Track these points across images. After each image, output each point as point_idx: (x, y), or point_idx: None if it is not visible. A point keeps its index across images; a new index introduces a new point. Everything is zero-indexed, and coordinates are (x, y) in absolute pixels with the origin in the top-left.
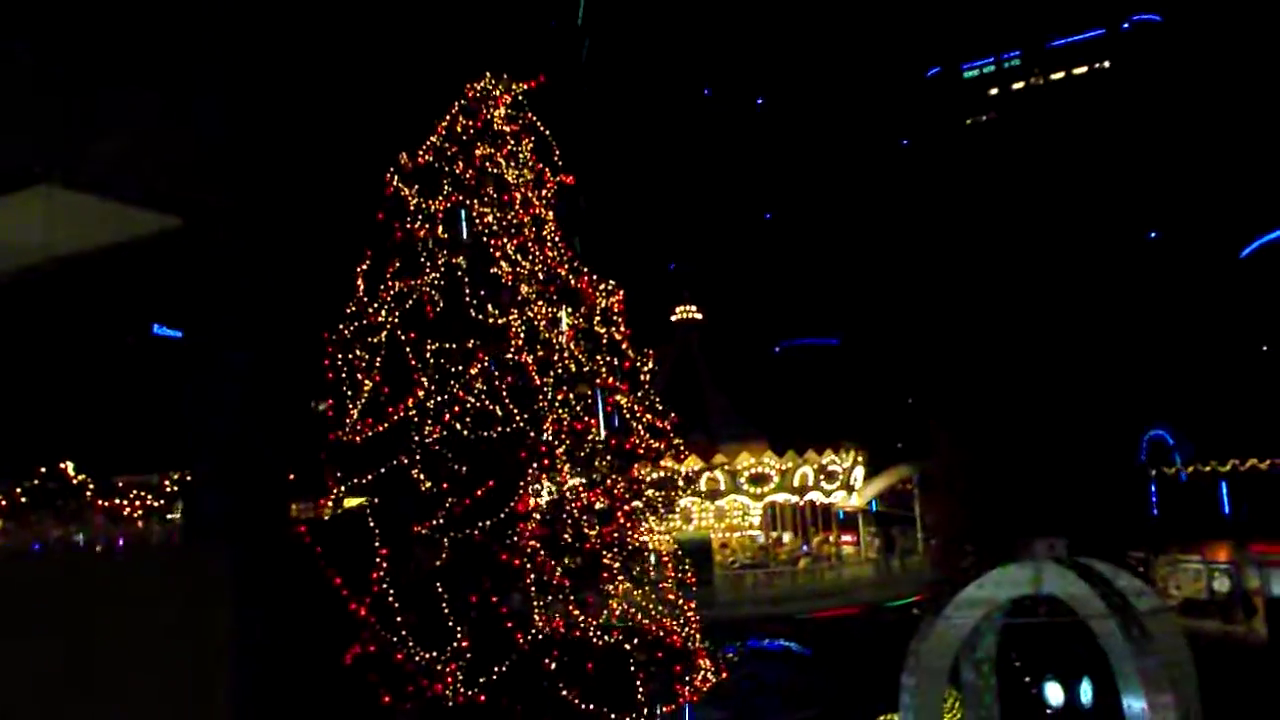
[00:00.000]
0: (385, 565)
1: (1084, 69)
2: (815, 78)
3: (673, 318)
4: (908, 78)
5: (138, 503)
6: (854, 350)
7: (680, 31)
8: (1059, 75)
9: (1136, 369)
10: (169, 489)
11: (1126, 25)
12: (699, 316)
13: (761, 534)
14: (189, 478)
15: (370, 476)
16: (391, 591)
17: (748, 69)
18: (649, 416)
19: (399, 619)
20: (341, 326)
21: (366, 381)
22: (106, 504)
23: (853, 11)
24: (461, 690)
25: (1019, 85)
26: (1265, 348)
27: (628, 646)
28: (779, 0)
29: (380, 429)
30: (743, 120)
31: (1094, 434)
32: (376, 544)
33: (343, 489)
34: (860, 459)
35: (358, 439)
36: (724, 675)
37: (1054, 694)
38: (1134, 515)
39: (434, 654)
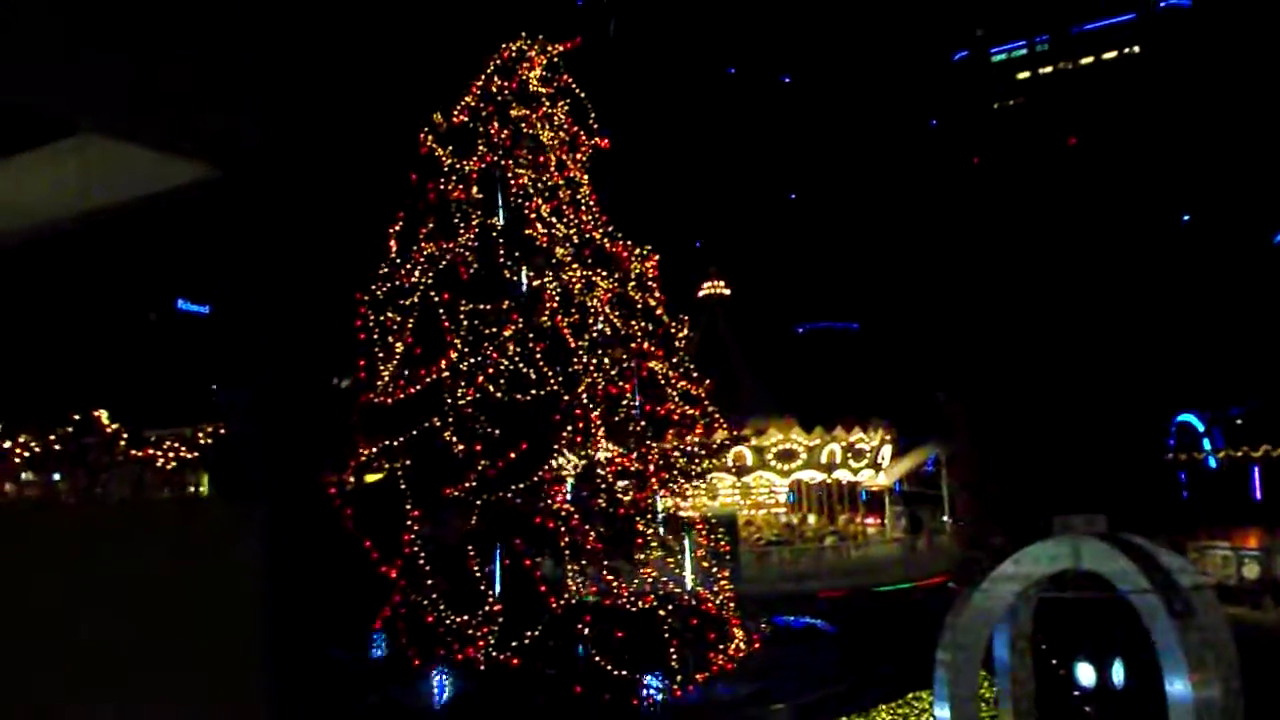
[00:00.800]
0: (416, 528)
1: (1113, 54)
2: (841, 60)
3: (699, 293)
4: (935, 60)
5: (170, 454)
6: (876, 333)
7: (707, 9)
8: (1088, 60)
9: (1166, 354)
10: (203, 440)
11: (1160, 6)
12: (726, 292)
13: (786, 512)
14: (221, 430)
15: (402, 439)
16: (423, 554)
17: (774, 49)
18: (684, 383)
19: (429, 582)
20: (374, 287)
21: (399, 344)
22: (140, 454)
23: None
24: (494, 653)
25: (1047, 70)
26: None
27: (661, 613)
28: None
29: (412, 391)
30: (768, 99)
31: (1123, 419)
32: (408, 507)
33: (374, 450)
34: (888, 438)
35: (389, 401)
36: (756, 646)
37: (1085, 674)
38: (1163, 500)
39: (465, 618)
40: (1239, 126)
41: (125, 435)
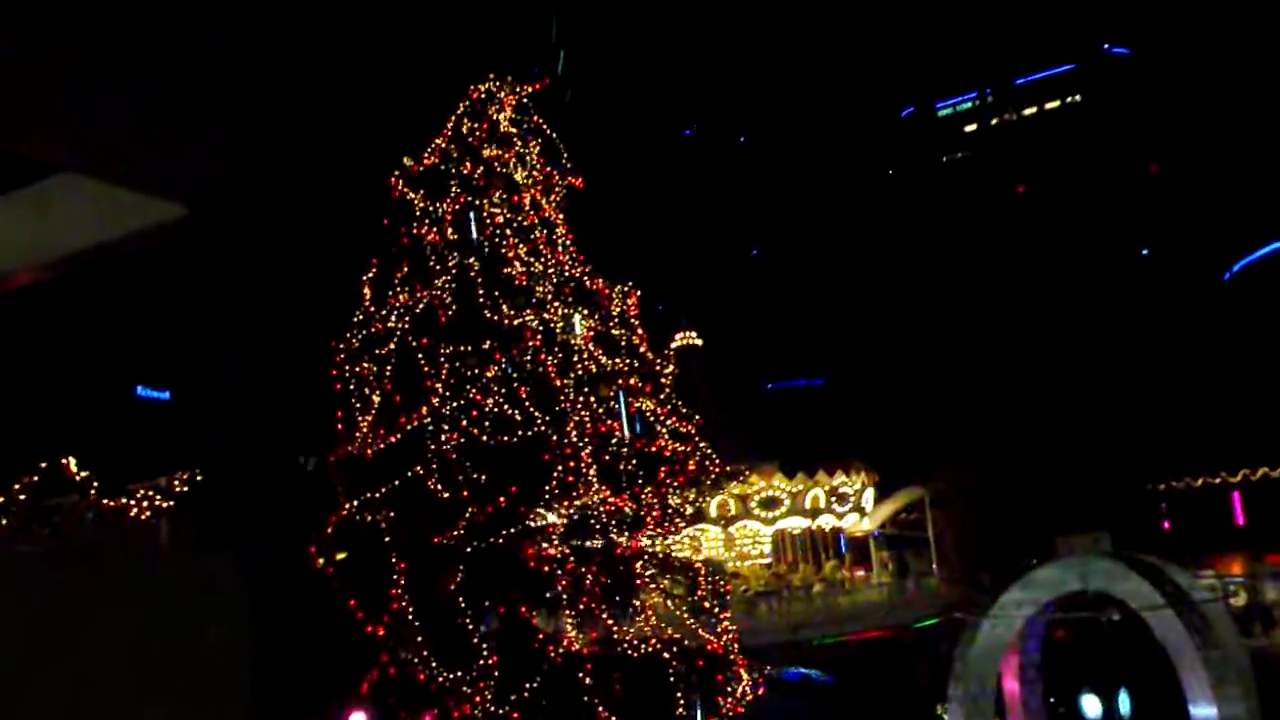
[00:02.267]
0: (403, 582)
1: (1056, 103)
2: (793, 120)
3: (672, 344)
4: (885, 118)
5: (145, 504)
6: (843, 387)
7: (661, 71)
8: (1032, 110)
9: (1139, 387)
10: (179, 490)
11: (1100, 53)
12: (699, 343)
13: (771, 563)
14: (199, 478)
15: (383, 490)
16: (411, 609)
17: (728, 110)
18: (673, 419)
19: (419, 638)
20: (349, 335)
21: (376, 393)
22: (112, 504)
23: (827, 56)
24: (491, 709)
25: (994, 121)
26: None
27: (666, 655)
28: (755, 44)
29: (393, 440)
30: (725, 159)
31: (1100, 452)
32: (393, 559)
33: (354, 504)
34: (870, 481)
35: (369, 452)
36: (761, 691)
37: (1091, 706)
38: (1145, 530)
39: (459, 673)
40: (1184, 166)
41: (95, 484)
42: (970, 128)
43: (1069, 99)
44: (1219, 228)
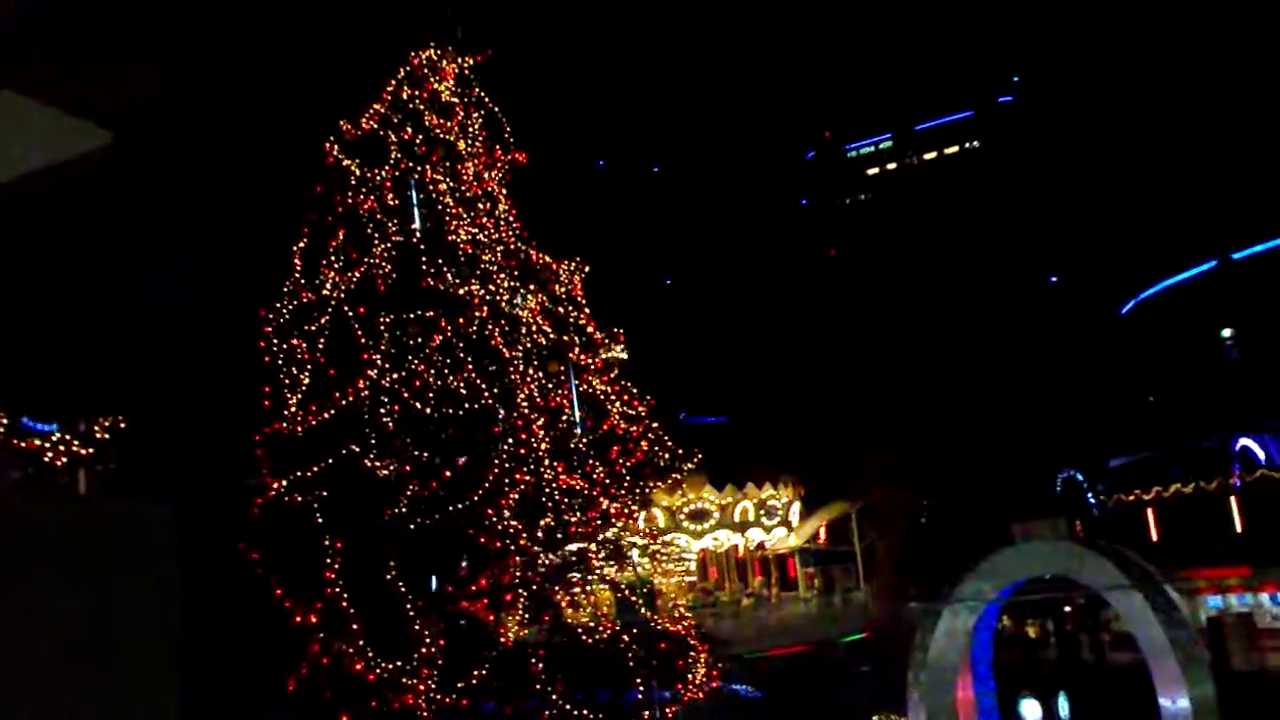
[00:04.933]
0: (337, 566)
1: (955, 149)
2: (698, 167)
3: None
4: (791, 159)
5: (61, 448)
6: (762, 410)
7: (572, 111)
8: (931, 155)
9: (1046, 414)
10: (100, 436)
11: (998, 102)
12: (624, 358)
13: (697, 580)
14: (122, 425)
15: (316, 469)
16: (345, 596)
17: (640, 148)
18: (625, 396)
19: (355, 626)
20: (279, 305)
21: (308, 366)
22: (24, 445)
23: (734, 99)
24: (437, 698)
25: (893, 165)
26: (1151, 398)
27: (625, 639)
28: (667, 86)
29: (326, 415)
30: (639, 190)
31: (1010, 477)
32: (326, 543)
33: (283, 484)
34: (798, 495)
35: (299, 429)
36: (715, 682)
37: (1030, 711)
38: None
39: (398, 663)
40: (1075, 207)
41: (3, 423)
42: (873, 171)
43: (967, 144)
44: (1117, 259)
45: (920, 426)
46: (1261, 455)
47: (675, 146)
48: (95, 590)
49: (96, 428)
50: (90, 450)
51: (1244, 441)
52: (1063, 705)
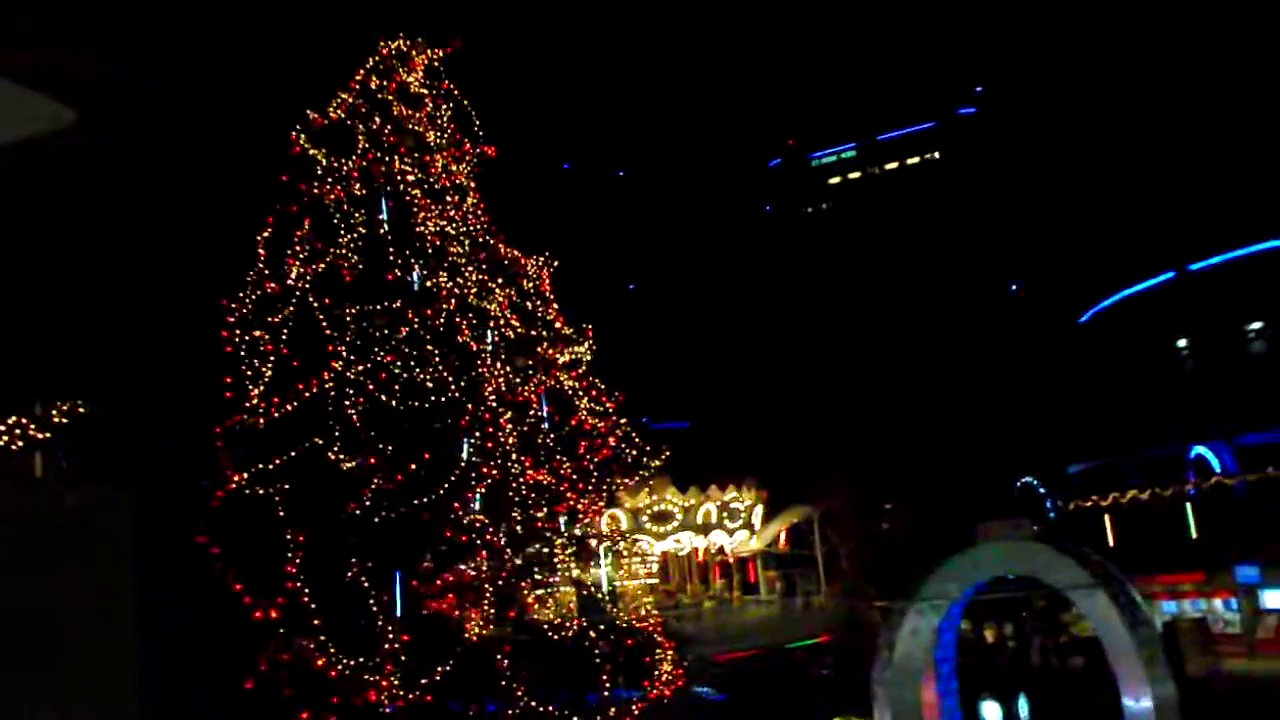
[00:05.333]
0: (299, 561)
1: (916, 159)
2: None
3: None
4: (755, 167)
5: (17, 432)
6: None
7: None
8: (893, 165)
9: (1005, 421)
10: (57, 421)
11: (958, 114)
12: (588, 357)
13: (658, 583)
14: (81, 410)
15: (278, 461)
16: (307, 590)
17: (605, 151)
18: (593, 392)
19: (317, 621)
20: (242, 295)
21: (270, 360)
22: None
23: (700, 106)
24: (400, 695)
25: (855, 175)
26: (1107, 406)
27: (592, 634)
28: (632, 90)
29: (289, 408)
30: (603, 193)
31: (969, 482)
32: (288, 537)
33: (244, 477)
34: (760, 498)
35: (261, 421)
36: (680, 681)
37: (991, 713)
38: None
39: (361, 659)
40: (1034, 216)
41: None
42: (834, 180)
43: (928, 155)
44: (1076, 268)
45: (881, 432)
46: (1216, 463)
47: (640, 150)
48: (49, 578)
49: (54, 412)
50: (47, 435)
51: (1199, 450)
52: (1022, 707)
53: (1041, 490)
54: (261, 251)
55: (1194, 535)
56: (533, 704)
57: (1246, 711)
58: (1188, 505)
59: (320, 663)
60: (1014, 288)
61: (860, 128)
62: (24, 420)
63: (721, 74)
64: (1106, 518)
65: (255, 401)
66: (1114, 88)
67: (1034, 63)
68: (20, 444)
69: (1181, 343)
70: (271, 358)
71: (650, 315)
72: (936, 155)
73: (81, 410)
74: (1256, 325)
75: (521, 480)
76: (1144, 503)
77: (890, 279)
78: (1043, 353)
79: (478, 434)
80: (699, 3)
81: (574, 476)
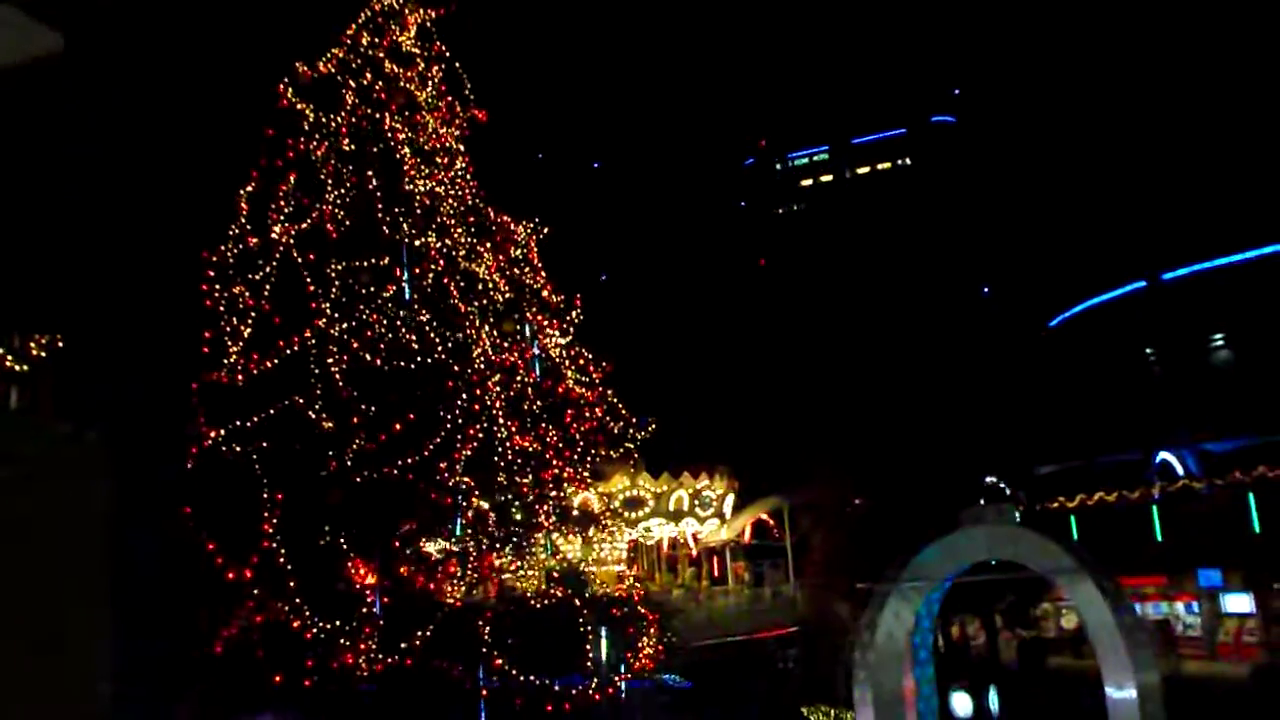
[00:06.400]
0: (275, 521)
1: (887, 164)
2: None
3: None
4: (730, 167)
5: None
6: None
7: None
8: (864, 169)
9: (974, 422)
10: (35, 354)
11: (932, 121)
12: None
13: (626, 571)
14: (60, 344)
15: (256, 419)
16: (283, 551)
17: (581, 143)
18: (581, 361)
19: (293, 583)
20: (224, 248)
21: (251, 315)
22: None
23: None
24: (379, 659)
25: (828, 178)
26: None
27: (577, 601)
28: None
29: (269, 364)
30: (578, 186)
31: (937, 481)
32: (265, 496)
33: (220, 433)
34: (732, 487)
35: (240, 377)
36: (661, 654)
37: (961, 704)
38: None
39: (337, 623)
40: (1004, 225)
41: None
42: (807, 182)
43: (900, 161)
44: (1048, 275)
45: (852, 430)
46: (1180, 469)
47: (617, 143)
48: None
49: (32, 344)
50: (24, 368)
51: (1163, 455)
52: (993, 699)
53: (1008, 490)
54: (244, 206)
55: (1160, 539)
56: (514, 671)
57: (1207, 713)
58: (1154, 509)
59: (295, 625)
60: (985, 290)
61: (833, 131)
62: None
63: (699, 71)
64: (1072, 519)
65: (234, 358)
66: (1088, 98)
67: (1008, 70)
68: None
69: (1149, 350)
70: (252, 313)
71: (624, 306)
72: (908, 161)
73: (60, 345)
74: (1220, 336)
75: (508, 445)
76: (1110, 505)
77: (864, 278)
78: (1013, 355)
79: (464, 396)
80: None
81: (559, 444)
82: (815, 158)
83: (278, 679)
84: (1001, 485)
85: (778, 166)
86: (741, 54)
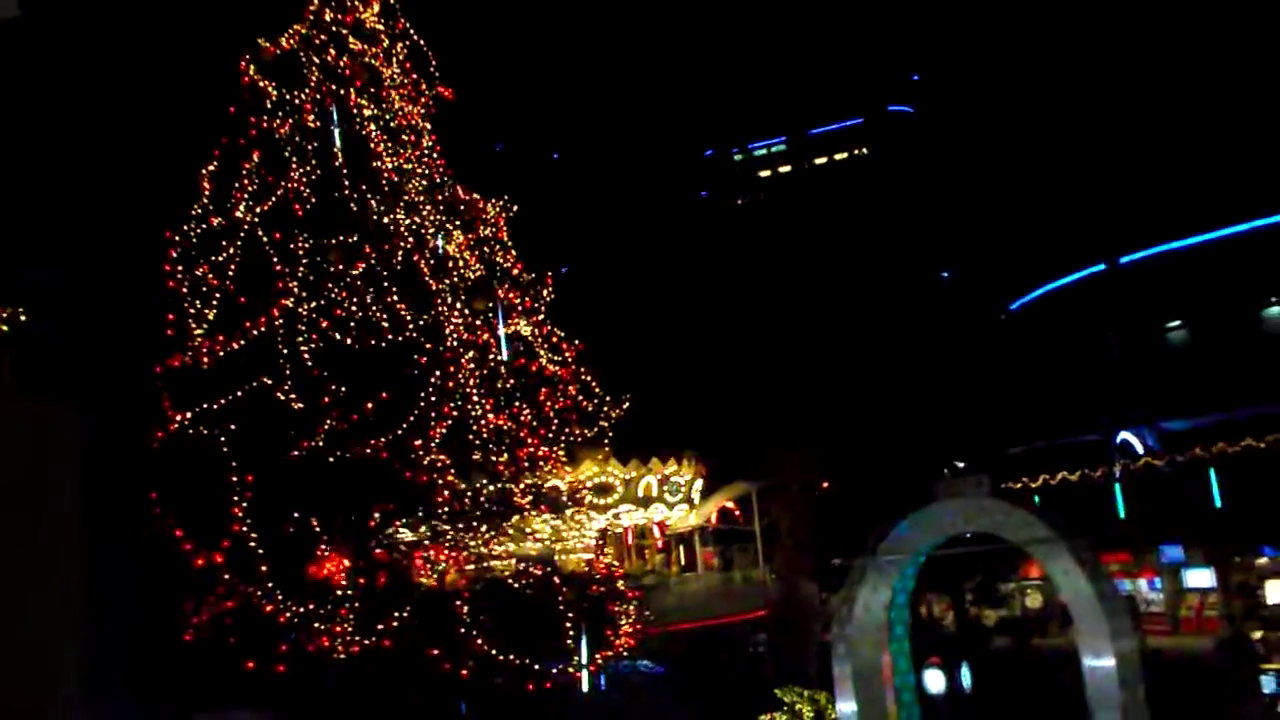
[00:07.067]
0: (245, 504)
1: (844, 154)
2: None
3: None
4: (690, 158)
5: None
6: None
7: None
8: (822, 160)
9: (936, 405)
10: None
11: (885, 112)
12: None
13: (593, 557)
14: (22, 316)
15: (223, 401)
16: (254, 535)
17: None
18: (554, 339)
19: (264, 567)
20: (186, 228)
21: (216, 296)
22: None
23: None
24: (356, 641)
25: (786, 169)
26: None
27: (556, 579)
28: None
29: (236, 345)
30: (536, 174)
31: (903, 465)
32: (234, 480)
33: (187, 416)
34: (701, 473)
35: (205, 359)
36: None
37: (934, 681)
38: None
39: (310, 605)
40: (961, 215)
41: None
42: (765, 173)
43: (856, 151)
44: (1009, 259)
45: (819, 415)
46: (1140, 448)
47: (578, 133)
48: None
49: None
50: None
51: (1124, 435)
52: (965, 676)
53: (971, 472)
54: (207, 185)
55: (1122, 516)
56: (493, 652)
57: (1172, 685)
58: (1116, 487)
59: (268, 610)
60: (945, 275)
61: (789, 122)
62: None
63: (656, 62)
64: (1035, 500)
65: (199, 340)
66: (1046, 82)
67: (965, 56)
68: None
69: (1109, 332)
70: (217, 294)
71: (587, 291)
72: (865, 151)
73: (23, 318)
74: (1178, 318)
75: (482, 423)
76: (1073, 484)
77: (827, 266)
78: (974, 339)
79: (437, 374)
80: None
81: (534, 423)
82: (773, 149)
83: (250, 665)
84: (965, 467)
85: (737, 158)
86: (695, 44)
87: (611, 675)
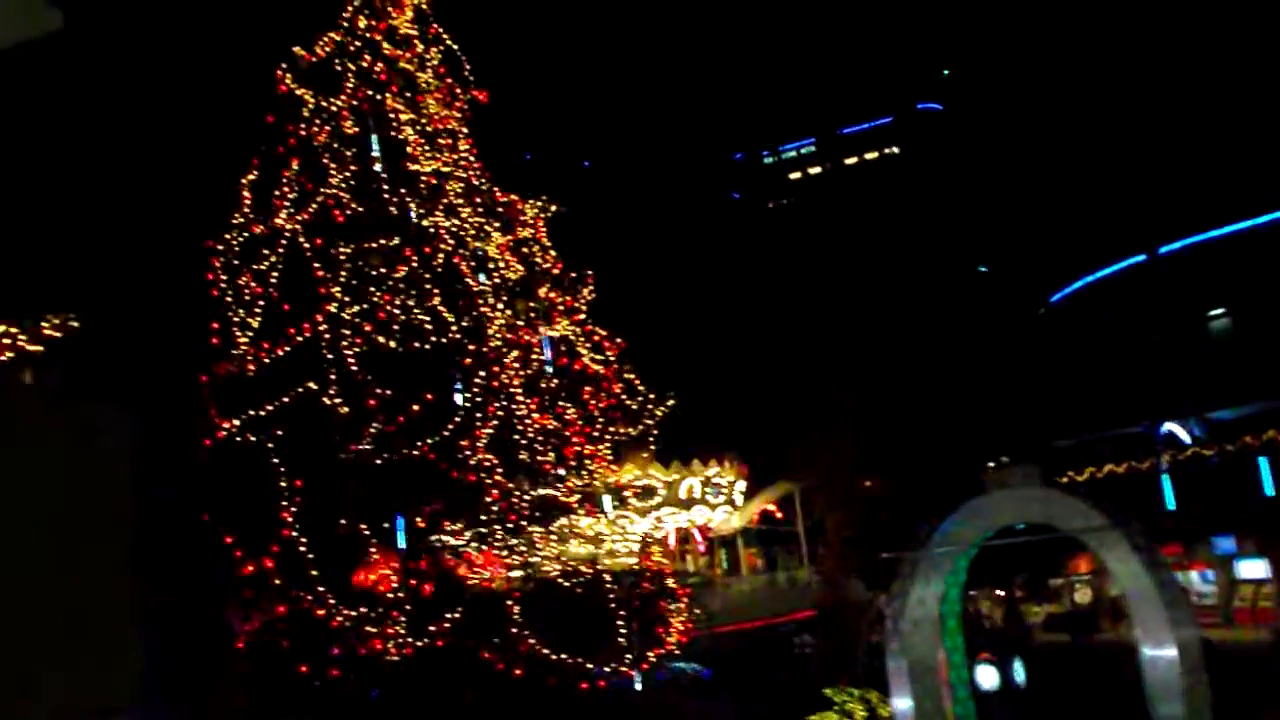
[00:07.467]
0: (294, 509)
1: (875, 154)
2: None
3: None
4: (720, 161)
5: (6, 342)
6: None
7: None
8: (852, 160)
9: (980, 401)
10: (50, 334)
11: (915, 110)
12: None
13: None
14: (74, 323)
15: (270, 408)
16: (304, 540)
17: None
18: (595, 338)
19: (315, 571)
20: (228, 238)
21: (259, 303)
22: None
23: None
24: (408, 643)
25: (816, 170)
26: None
27: (607, 578)
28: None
29: (280, 352)
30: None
31: (946, 461)
32: (282, 485)
33: (234, 424)
34: (742, 474)
35: (251, 367)
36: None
37: (986, 677)
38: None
39: (362, 609)
40: (994, 211)
41: None
42: (795, 175)
43: (886, 150)
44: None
45: (862, 413)
46: (1187, 438)
47: (605, 138)
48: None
49: (45, 324)
50: (40, 348)
51: (1169, 426)
52: (1018, 671)
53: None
54: (247, 194)
55: (1172, 508)
56: (545, 651)
57: (1228, 677)
58: (1165, 478)
59: (320, 614)
60: (983, 270)
61: (819, 123)
62: (14, 331)
63: (688, 67)
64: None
65: (244, 347)
66: (1079, 73)
67: (996, 49)
68: (10, 355)
69: (1151, 322)
70: (260, 302)
71: (625, 294)
72: (896, 150)
73: (74, 325)
74: (1221, 306)
75: (528, 423)
76: (1120, 477)
77: (864, 265)
78: (1014, 333)
79: (482, 374)
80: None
81: (579, 422)
82: (803, 150)
83: (304, 669)
84: (1009, 462)
85: (768, 161)
86: (724, 48)
87: (661, 677)
